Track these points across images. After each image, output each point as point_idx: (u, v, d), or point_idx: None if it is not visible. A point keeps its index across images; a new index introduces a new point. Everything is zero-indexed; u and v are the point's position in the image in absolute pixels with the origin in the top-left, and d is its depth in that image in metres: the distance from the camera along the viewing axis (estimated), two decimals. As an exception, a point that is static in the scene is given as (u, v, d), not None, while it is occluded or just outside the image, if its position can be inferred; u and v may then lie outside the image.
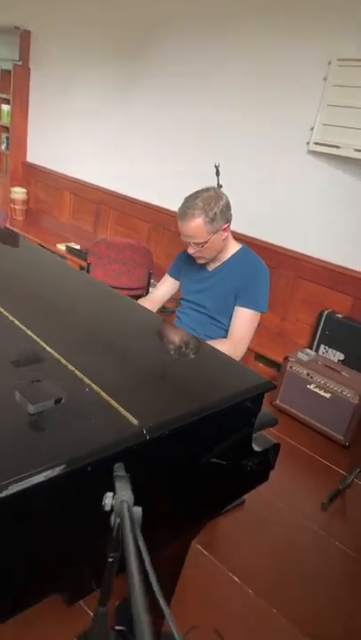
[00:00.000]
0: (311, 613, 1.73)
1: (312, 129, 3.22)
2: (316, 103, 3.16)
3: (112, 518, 0.65)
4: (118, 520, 0.65)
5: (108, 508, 0.65)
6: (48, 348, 1.09)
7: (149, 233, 4.38)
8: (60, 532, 0.82)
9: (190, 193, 1.81)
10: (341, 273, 3.19)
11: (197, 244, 1.77)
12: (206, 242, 1.76)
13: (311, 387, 2.74)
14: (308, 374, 2.77)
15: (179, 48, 3.86)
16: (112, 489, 0.68)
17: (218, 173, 2.73)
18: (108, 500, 0.65)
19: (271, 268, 2.04)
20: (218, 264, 1.89)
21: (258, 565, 1.89)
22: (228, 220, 1.79)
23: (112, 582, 0.73)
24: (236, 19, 3.47)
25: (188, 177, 3.97)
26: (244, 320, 1.81)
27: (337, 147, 3.08)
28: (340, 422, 2.62)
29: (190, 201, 1.75)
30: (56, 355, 1.07)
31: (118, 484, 0.67)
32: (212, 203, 1.72)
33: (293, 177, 3.36)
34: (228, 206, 1.77)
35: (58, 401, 0.85)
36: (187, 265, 1.97)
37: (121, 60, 4.30)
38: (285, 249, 3.43)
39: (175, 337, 1.43)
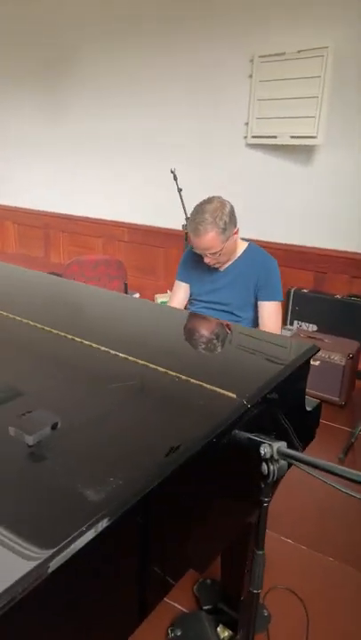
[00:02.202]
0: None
1: (246, 124, 3.45)
2: (247, 99, 3.39)
3: (270, 466, 0.77)
4: (274, 466, 0.77)
5: (268, 456, 0.76)
6: (131, 358, 1.16)
7: (104, 247, 4.44)
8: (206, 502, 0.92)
9: (194, 207, 1.89)
10: (300, 252, 3.44)
11: (214, 253, 1.88)
12: (222, 249, 1.87)
13: (299, 359, 2.95)
14: (293, 348, 2.97)
15: (107, 61, 3.97)
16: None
17: (175, 178, 2.87)
18: (267, 449, 0.76)
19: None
20: (229, 263, 2.01)
21: (304, 525, 2.04)
22: (236, 224, 1.90)
23: (265, 527, 0.84)
24: (160, 25, 3.63)
25: (136, 186, 4.10)
26: (271, 312, 1.94)
27: (274, 137, 3.32)
28: (332, 385, 2.85)
29: (199, 216, 1.83)
30: (140, 361, 1.15)
31: (267, 438, 0.79)
32: (219, 213, 1.82)
33: (237, 170, 3.56)
34: (233, 210, 1.88)
35: (54, 426, 0.82)
36: (195, 267, 2.07)
37: (50, 79, 4.33)
38: (248, 239, 3.63)
39: (221, 326, 1.56)
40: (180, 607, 1.62)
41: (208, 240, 1.83)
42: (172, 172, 2.85)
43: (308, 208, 3.37)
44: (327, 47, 2.94)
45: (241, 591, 1.44)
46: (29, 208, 4.84)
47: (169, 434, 0.88)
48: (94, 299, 1.78)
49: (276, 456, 0.75)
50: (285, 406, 1.19)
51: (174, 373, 1.08)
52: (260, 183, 3.53)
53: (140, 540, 0.76)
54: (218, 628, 1.54)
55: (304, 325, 3.43)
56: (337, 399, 2.86)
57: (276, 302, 1.95)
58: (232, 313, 1.98)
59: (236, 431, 0.91)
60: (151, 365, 1.12)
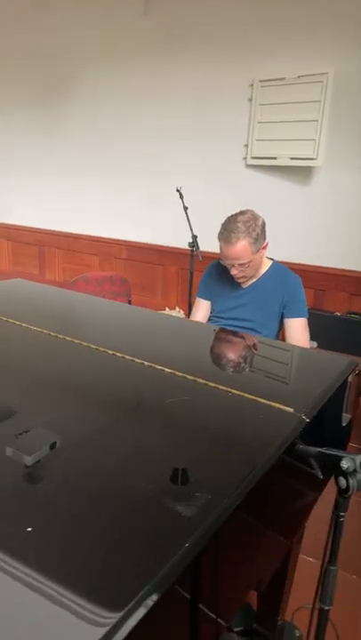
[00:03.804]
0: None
1: (246, 146, 3.53)
2: (246, 122, 3.47)
3: (349, 479, 0.77)
4: (353, 480, 0.77)
5: (351, 469, 0.76)
6: (179, 373, 1.15)
7: (101, 265, 4.44)
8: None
9: (226, 218, 1.92)
10: (300, 270, 3.47)
11: (242, 264, 1.90)
12: (250, 261, 1.89)
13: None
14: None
15: (108, 81, 4.04)
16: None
17: (181, 196, 2.90)
18: (350, 463, 0.77)
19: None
20: (253, 280, 2.03)
21: (320, 540, 2.03)
22: (265, 238, 1.93)
23: (339, 541, 0.84)
24: (161, 47, 3.71)
25: (136, 205, 4.13)
26: (300, 329, 1.98)
27: (274, 158, 3.40)
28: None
29: (232, 225, 1.86)
30: (189, 376, 1.14)
31: (344, 454, 0.79)
32: (252, 224, 1.85)
33: (237, 190, 3.63)
34: (264, 224, 1.91)
35: (52, 445, 0.79)
36: (216, 285, 2.09)
37: (49, 98, 4.37)
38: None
39: (262, 341, 1.57)
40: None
41: (239, 249, 1.84)
42: (177, 190, 2.88)
43: (307, 227, 3.44)
44: (327, 73, 3.05)
45: (277, 611, 1.42)
46: (23, 225, 4.82)
47: (237, 450, 0.88)
48: (129, 316, 1.77)
49: (359, 469, 0.76)
50: (330, 420, 1.20)
51: (225, 388, 1.08)
52: (259, 203, 3.58)
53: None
54: (251, 652, 1.51)
55: (304, 342, 3.47)
56: (349, 416, 2.87)
57: (304, 319, 1.97)
58: (254, 330, 1.99)
59: (301, 446, 0.91)
60: (200, 380, 1.12)
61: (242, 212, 1.91)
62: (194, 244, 2.85)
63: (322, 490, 1.31)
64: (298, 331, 1.96)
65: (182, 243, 3.87)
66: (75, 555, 0.62)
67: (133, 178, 4.08)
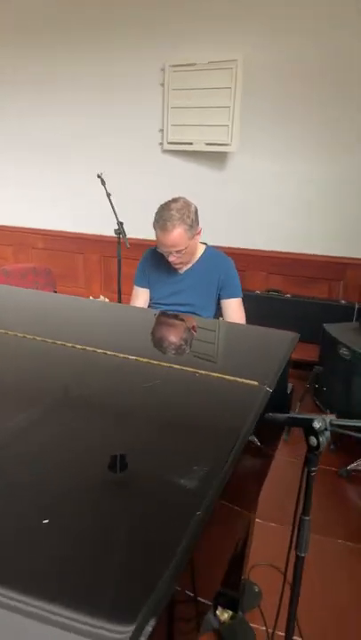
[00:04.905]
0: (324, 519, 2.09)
1: (161, 130, 3.56)
2: (160, 107, 3.49)
3: (320, 438, 0.87)
4: (323, 439, 0.87)
5: (322, 428, 0.85)
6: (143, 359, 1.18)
7: (15, 255, 4.25)
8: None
9: (160, 206, 1.93)
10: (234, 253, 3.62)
11: (179, 251, 1.92)
12: (186, 248, 1.92)
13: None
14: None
15: (21, 67, 3.82)
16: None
17: (103, 183, 2.86)
18: (320, 423, 0.86)
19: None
20: (189, 265, 2.07)
21: (267, 503, 2.19)
22: (199, 223, 1.96)
23: (311, 494, 0.94)
24: (72, 27, 3.58)
25: (52, 193, 4.00)
26: (236, 309, 2.05)
27: (190, 143, 3.47)
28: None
29: (166, 213, 1.87)
30: (154, 361, 1.17)
31: (313, 416, 0.88)
32: (186, 211, 1.88)
33: (155, 175, 3.65)
34: (197, 210, 1.95)
35: None
36: (153, 272, 2.11)
37: None
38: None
39: (208, 324, 1.62)
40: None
41: (175, 236, 1.88)
42: (99, 176, 2.83)
43: (225, 211, 3.57)
44: (236, 60, 3.16)
45: (240, 573, 1.53)
46: None
47: (219, 425, 0.94)
48: (65, 306, 1.74)
49: (329, 427, 0.85)
50: (279, 389, 1.30)
51: (191, 369, 1.14)
52: (177, 188, 3.64)
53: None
54: (217, 612, 1.61)
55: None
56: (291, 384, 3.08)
57: (239, 299, 2.07)
58: (195, 313, 2.05)
59: (270, 414, 1.00)
60: (165, 364, 1.16)
61: (174, 200, 1.94)
62: (120, 230, 2.83)
63: (271, 459, 1.43)
64: (235, 310, 2.06)
65: (103, 230, 3.84)
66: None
67: (49, 166, 3.94)
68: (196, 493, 0.71)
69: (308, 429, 0.88)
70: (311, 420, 0.86)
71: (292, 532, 0.99)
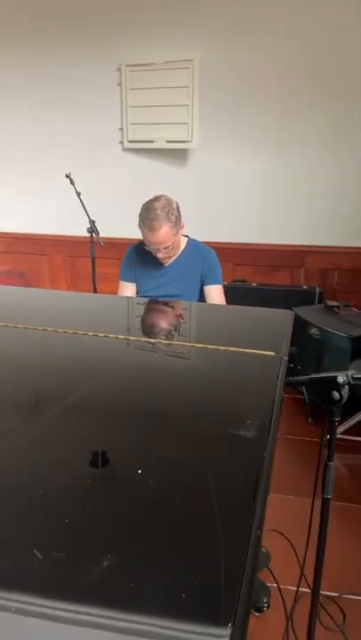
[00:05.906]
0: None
1: (121, 129, 3.62)
2: (119, 106, 3.55)
3: (342, 392, 0.99)
4: (345, 392, 0.99)
5: (346, 382, 0.98)
6: (187, 344, 1.26)
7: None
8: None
9: (143, 205, 2.01)
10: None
11: (167, 247, 2.01)
12: (173, 243, 2.02)
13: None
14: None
15: None
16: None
17: (72, 182, 2.88)
18: (344, 377, 0.98)
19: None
20: (174, 258, 2.16)
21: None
22: (181, 218, 2.06)
23: (334, 441, 1.07)
24: (28, 38, 3.56)
25: (11, 196, 3.95)
26: (218, 295, 2.18)
27: (151, 141, 3.55)
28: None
29: (151, 213, 1.96)
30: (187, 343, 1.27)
31: (334, 373, 1.00)
32: (169, 208, 1.97)
33: (115, 174, 3.71)
34: (178, 207, 2.05)
35: None
36: (139, 267, 2.18)
37: None
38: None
39: (211, 308, 1.74)
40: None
41: (162, 234, 1.98)
42: (67, 176, 2.86)
43: (191, 206, 3.66)
44: (192, 60, 3.28)
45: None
46: None
47: (255, 390, 1.05)
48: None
49: (352, 381, 0.98)
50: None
51: (213, 347, 1.24)
52: (139, 186, 3.72)
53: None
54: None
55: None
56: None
57: (220, 285, 2.19)
58: None
59: (290, 378, 1.12)
60: (187, 344, 1.26)
61: (157, 199, 2.03)
62: (92, 229, 2.87)
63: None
64: (217, 296, 2.19)
65: (65, 230, 3.86)
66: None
67: (8, 168, 3.89)
68: (256, 441, 0.81)
69: (332, 384, 1.00)
70: (335, 377, 0.98)
71: (316, 479, 1.12)
